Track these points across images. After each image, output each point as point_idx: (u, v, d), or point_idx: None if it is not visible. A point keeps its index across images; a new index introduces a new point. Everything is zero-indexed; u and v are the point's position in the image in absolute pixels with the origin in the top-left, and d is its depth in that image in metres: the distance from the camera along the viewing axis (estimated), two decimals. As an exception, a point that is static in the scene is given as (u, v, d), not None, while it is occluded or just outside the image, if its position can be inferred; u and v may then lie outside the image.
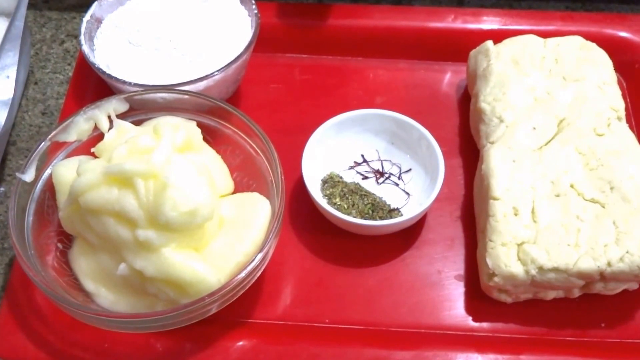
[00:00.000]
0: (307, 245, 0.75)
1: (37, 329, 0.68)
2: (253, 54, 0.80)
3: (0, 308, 0.69)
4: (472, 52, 0.83)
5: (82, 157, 0.69)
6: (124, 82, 0.74)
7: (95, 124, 0.70)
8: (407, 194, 0.77)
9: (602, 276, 0.66)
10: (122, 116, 0.71)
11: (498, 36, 0.82)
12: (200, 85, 0.74)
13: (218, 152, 0.72)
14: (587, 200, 0.68)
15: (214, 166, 0.69)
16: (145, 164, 0.60)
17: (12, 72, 0.77)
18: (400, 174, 0.78)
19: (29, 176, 0.67)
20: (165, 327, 0.63)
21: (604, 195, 0.68)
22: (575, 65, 0.78)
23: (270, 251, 0.65)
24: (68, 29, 0.93)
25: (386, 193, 0.77)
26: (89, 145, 0.69)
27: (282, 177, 0.67)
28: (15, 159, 0.82)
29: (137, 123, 0.71)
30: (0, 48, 0.77)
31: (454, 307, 0.71)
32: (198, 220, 0.60)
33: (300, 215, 0.76)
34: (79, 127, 0.70)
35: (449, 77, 0.88)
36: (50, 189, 0.68)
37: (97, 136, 0.71)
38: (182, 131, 0.66)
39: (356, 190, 0.75)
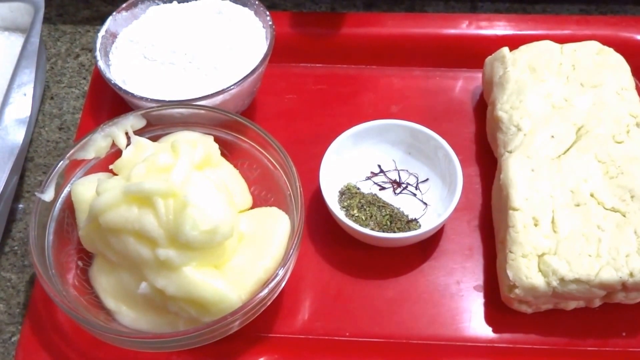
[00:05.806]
0: (325, 257, 0.75)
1: (59, 346, 0.68)
2: (268, 64, 0.80)
3: (22, 325, 0.69)
4: (488, 59, 0.83)
5: (101, 176, 0.69)
6: (141, 98, 0.74)
7: (113, 140, 0.71)
8: (425, 204, 0.76)
9: (624, 286, 0.65)
10: (139, 132, 0.71)
11: (513, 41, 0.82)
12: (216, 100, 0.74)
13: (235, 166, 0.72)
14: (607, 209, 0.68)
15: (232, 181, 0.70)
16: (165, 183, 0.60)
17: (29, 89, 0.76)
18: (417, 184, 0.78)
19: (48, 195, 0.67)
20: (186, 346, 0.63)
21: (624, 204, 0.68)
22: (593, 71, 0.77)
23: (290, 267, 0.64)
24: (82, 42, 0.93)
25: (404, 203, 0.76)
26: (107, 162, 0.70)
27: (301, 191, 0.67)
28: (34, 175, 0.82)
29: (155, 138, 0.71)
30: (16, 66, 0.77)
31: (473, 318, 0.71)
32: (218, 239, 0.60)
33: (317, 226, 0.76)
34: (97, 144, 0.70)
35: (464, 84, 0.87)
36: (69, 207, 0.69)
37: (115, 152, 0.71)
38: (200, 148, 0.66)
39: (374, 202, 0.75)
